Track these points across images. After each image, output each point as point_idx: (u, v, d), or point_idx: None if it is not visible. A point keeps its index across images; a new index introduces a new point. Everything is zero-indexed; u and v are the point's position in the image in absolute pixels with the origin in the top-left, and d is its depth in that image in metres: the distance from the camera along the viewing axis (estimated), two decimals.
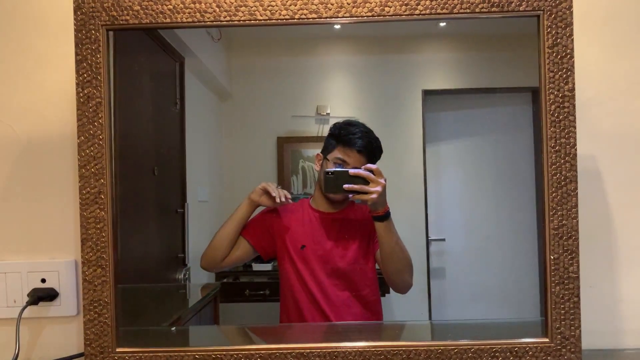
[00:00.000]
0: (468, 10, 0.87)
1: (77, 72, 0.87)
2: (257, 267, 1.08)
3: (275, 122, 1.00)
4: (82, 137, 0.87)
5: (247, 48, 1.01)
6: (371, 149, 0.97)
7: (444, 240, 1.02)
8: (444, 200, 1.02)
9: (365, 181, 0.93)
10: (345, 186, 0.93)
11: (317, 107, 0.99)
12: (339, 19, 0.87)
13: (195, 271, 1.04)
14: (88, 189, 0.87)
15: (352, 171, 0.93)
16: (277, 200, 0.94)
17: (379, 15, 0.87)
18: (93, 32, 0.87)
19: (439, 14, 0.87)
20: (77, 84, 0.87)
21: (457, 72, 1.02)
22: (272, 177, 1.00)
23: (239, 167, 0.99)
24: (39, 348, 1.02)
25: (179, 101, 1.01)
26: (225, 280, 1.10)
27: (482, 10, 0.87)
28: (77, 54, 0.87)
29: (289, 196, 0.96)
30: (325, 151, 0.99)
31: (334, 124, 0.98)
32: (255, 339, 0.99)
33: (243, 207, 0.96)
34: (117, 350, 0.88)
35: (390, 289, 1.02)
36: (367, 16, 0.87)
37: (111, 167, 0.88)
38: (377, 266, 1.00)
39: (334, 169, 0.94)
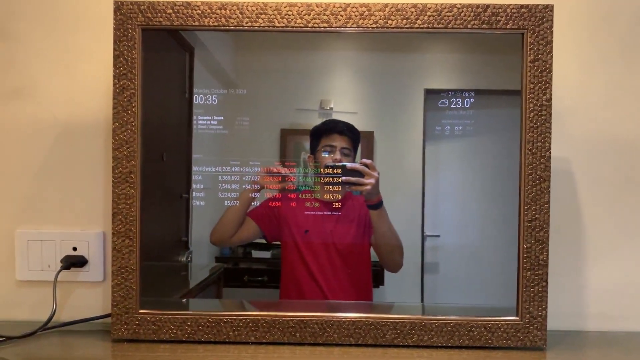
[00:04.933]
0: (461, 26, 0.98)
1: (114, 65, 0.99)
2: (256, 254, 1.15)
3: (279, 115, 1.05)
4: (117, 123, 0.99)
5: (254, 41, 1.04)
6: (351, 129, 1.07)
7: (439, 236, 1.08)
8: (440, 197, 1.08)
9: (360, 174, 1.06)
10: (343, 178, 1.05)
11: (321, 102, 1.05)
12: (347, 29, 0.98)
13: (197, 255, 1.11)
14: (120, 169, 0.99)
15: (349, 165, 1.05)
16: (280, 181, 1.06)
17: (382, 27, 0.98)
18: (130, 30, 0.99)
19: (435, 28, 0.98)
20: (114, 76, 0.99)
21: (459, 72, 1.06)
22: (299, 162, 1.04)
23: (243, 158, 1.04)
24: (69, 308, 1.14)
25: (187, 90, 1.06)
26: (225, 265, 1.16)
27: (473, 26, 0.98)
28: (115, 50, 0.99)
29: (292, 177, 1.07)
30: (314, 149, 1.10)
31: (312, 128, 1.07)
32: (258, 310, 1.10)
33: (248, 190, 1.08)
34: (140, 311, 1.00)
35: (384, 280, 1.12)
36: (371, 27, 0.98)
37: (141, 151, 1.00)
38: (371, 252, 1.12)
39: (332, 164, 1.06)
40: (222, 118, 1.05)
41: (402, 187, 1.10)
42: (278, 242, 1.12)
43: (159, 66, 1.04)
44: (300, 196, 1.07)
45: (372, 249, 1.10)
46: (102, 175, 1.13)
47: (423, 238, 1.09)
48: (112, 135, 0.98)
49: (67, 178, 1.13)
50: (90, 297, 1.14)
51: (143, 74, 0.99)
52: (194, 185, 1.05)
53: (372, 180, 1.05)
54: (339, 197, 1.07)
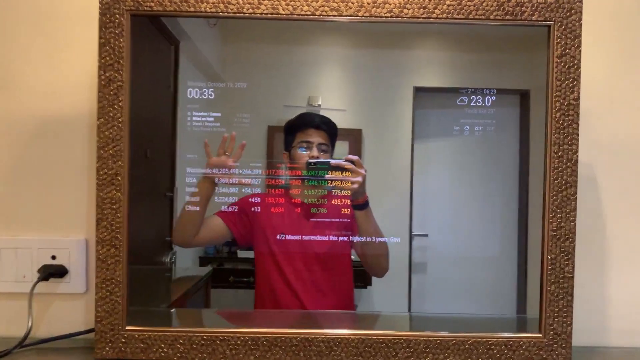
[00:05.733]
0: (483, 17, 0.90)
1: (99, 55, 0.89)
2: (242, 254, 1.09)
3: (266, 111, 1.01)
4: (102, 119, 0.89)
5: (241, 35, 1.00)
6: (327, 123, 1.01)
7: (427, 236, 1.04)
8: (428, 196, 1.04)
9: (345, 171, 0.97)
10: (327, 177, 0.97)
11: (309, 98, 1.01)
12: (358, 17, 0.90)
13: (181, 255, 1.05)
14: (106, 170, 0.89)
15: (333, 162, 0.97)
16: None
17: (397, 17, 0.90)
18: (117, 16, 0.89)
19: (455, 18, 0.90)
20: (100, 67, 0.89)
21: (448, 70, 1.03)
22: (262, 165, 1.01)
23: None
24: (47, 323, 1.04)
25: (172, 85, 1.01)
26: (209, 265, 1.10)
27: (496, 17, 0.90)
28: (100, 37, 0.89)
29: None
30: (288, 145, 1.02)
31: (286, 122, 1.01)
32: (237, 323, 1.02)
33: (200, 184, 0.98)
34: (127, 328, 0.91)
35: (371, 280, 1.06)
36: (385, 17, 0.90)
37: (129, 150, 0.90)
38: (353, 256, 1.04)
39: (315, 160, 0.98)
40: (208, 114, 0.97)
41: (390, 186, 1.05)
42: None
43: (143, 58, 0.96)
44: (273, 197, 0.98)
45: (353, 253, 1.03)
46: (86, 177, 1.03)
47: (411, 237, 1.03)
48: (97, 132, 0.89)
49: (46, 179, 1.03)
50: (71, 310, 1.04)
51: (132, 65, 0.90)
52: (186, 189, 0.98)
53: (359, 179, 0.97)
54: (319, 197, 0.98)
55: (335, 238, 1.00)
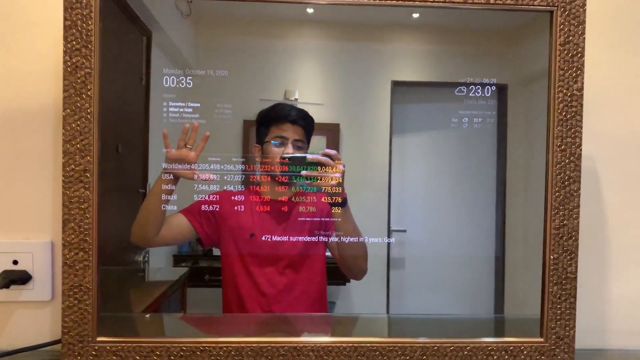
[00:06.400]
0: (482, 1, 0.84)
1: (65, 38, 0.81)
2: (217, 251, 1.01)
3: (241, 105, 0.95)
4: (68, 110, 0.81)
5: (215, 27, 0.96)
6: (304, 117, 0.95)
7: (405, 231, 1.00)
8: (407, 191, 1.01)
9: (323, 167, 0.91)
10: (303, 173, 0.90)
11: (285, 92, 0.96)
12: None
13: (154, 254, 0.99)
14: (72, 166, 0.81)
15: (310, 157, 0.91)
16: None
17: None
18: None
19: (453, 2, 0.84)
20: (65, 52, 0.80)
21: (427, 64, 1.00)
22: (224, 159, 0.95)
23: (204, 150, 0.92)
24: (8, 334, 0.95)
25: (144, 76, 0.96)
26: (183, 264, 1.04)
27: (496, 1, 0.84)
28: (65, 19, 0.80)
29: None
30: (260, 139, 0.95)
31: (259, 113, 0.95)
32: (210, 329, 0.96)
33: (159, 179, 0.91)
34: (98, 339, 0.83)
35: (350, 278, 1.01)
36: None
37: (99, 143, 0.82)
38: (327, 254, 0.98)
39: (290, 155, 0.91)
40: (186, 104, 0.90)
41: (368, 181, 1.01)
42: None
43: (115, 48, 0.89)
44: (242, 194, 0.91)
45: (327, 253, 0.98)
46: (51, 173, 0.94)
47: (389, 233, 1.01)
48: (63, 124, 0.81)
49: (6, 176, 0.94)
50: (35, 320, 0.96)
51: (101, 51, 0.81)
52: (150, 180, 0.93)
53: (338, 175, 0.91)
54: (293, 194, 0.91)
55: (310, 239, 0.93)
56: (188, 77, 0.91)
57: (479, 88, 0.93)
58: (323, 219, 0.94)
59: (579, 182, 0.86)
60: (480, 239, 0.99)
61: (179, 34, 0.96)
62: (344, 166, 0.91)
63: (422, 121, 1.01)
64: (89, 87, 0.81)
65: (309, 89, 0.97)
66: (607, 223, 1.02)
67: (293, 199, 0.92)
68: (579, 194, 0.86)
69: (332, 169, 0.91)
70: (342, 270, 0.97)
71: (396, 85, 0.99)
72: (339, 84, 0.99)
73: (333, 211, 0.92)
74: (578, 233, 0.86)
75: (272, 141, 0.94)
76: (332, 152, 0.91)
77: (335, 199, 0.92)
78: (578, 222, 0.86)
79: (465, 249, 1.02)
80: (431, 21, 0.92)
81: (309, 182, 0.91)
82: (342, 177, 0.91)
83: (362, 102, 0.99)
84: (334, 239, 0.94)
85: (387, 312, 1.02)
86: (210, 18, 0.94)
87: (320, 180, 0.90)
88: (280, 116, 0.95)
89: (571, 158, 0.86)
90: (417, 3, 0.84)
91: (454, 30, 0.95)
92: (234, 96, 0.93)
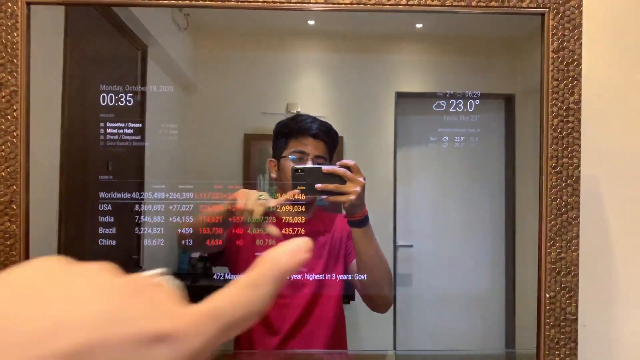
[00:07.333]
0: (463, 3, 0.74)
1: None
2: (217, 270, 0.92)
3: (242, 119, 0.91)
4: None
5: (215, 39, 0.91)
6: (326, 131, 0.85)
7: (411, 246, 0.95)
8: (412, 205, 0.95)
9: (341, 180, 0.80)
10: (318, 186, 0.79)
11: (288, 105, 0.90)
12: (310, 4, 0.73)
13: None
14: None
15: (325, 168, 0.80)
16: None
17: (357, 4, 0.73)
18: (10, 4, 0.71)
19: (430, 5, 0.74)
20: None
21: (431, 75, 0.95)
22: (238, 176, 0.89)
23: (203, 165, 0.87)
24: None
25: (139, 92, 0.89)
26: (183, 282, 0.96)
27: (479, 4, 0.74)
28: None
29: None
30: (277, 153, 0.86)
31: (277, 123, 0.86)
32: None
33: (218, 209, 0.81)
34: None
35: (354, 294, 0.91)
36: (344, 4, 0.73)
37: (26, 171, 0.72)
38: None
39: (303, 166, 0.81)
40: (180, 122, 0.85)
41: (373, 195, 0.94)
42: None
43: (102, 63, 0.86)
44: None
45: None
46: None
47: (395, 248, 0.93)
48: None
49: None
50: None
51: (66, 68, 0.77)
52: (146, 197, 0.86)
53: (357, 189, 0.80)
54: (308, 215, 0.80)
55: (324, 265, 0.83)
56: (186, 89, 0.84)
57: (484, 99, 0.86)
58: (341, 244, 0.84)
59: (578, 208, 0.74)
60: (489, 253, 0.94)
61: (176, 47, 0.92)
62: (364, 179, 0.81)
63: (427, 133, 0.95)
64: (14, 107, 0.72)
65: (311, 102, 0.92)
66: (611, 254, 0.90)
67: (306, 223, 0.81)
68: (578, 222, 0.74)
69: (351, 182, 0.81)
70: (364, 299, 0.86)
71: (400, 96, 0.94)
72: (341, 96, 0.95)
73: (353, 231, 0.82)
74: (578, 267, 0.75)
75: (289, 156, 0.84)
76: (351, 162, 0.81)
77: (355, 216, 0.82)
78: (577, 255, 0.75)
79: (473, 262, 0.97)
80: (435, 31, 0.88)
81: (325, 197, 0.80)
82: (363, 191, 0.81)
83: (366, 114, 0.94)
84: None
85: (394, 326, 0.93)
86: (209, 31, 0.90)
87: (339, 195, 0.80)
88: (301, 129, 0.85)
89: (568, 181, 0.74)
90: (385, 8, 0.73)
91: (459, 39, 0.90)
92: (234, 110, 0.90)
